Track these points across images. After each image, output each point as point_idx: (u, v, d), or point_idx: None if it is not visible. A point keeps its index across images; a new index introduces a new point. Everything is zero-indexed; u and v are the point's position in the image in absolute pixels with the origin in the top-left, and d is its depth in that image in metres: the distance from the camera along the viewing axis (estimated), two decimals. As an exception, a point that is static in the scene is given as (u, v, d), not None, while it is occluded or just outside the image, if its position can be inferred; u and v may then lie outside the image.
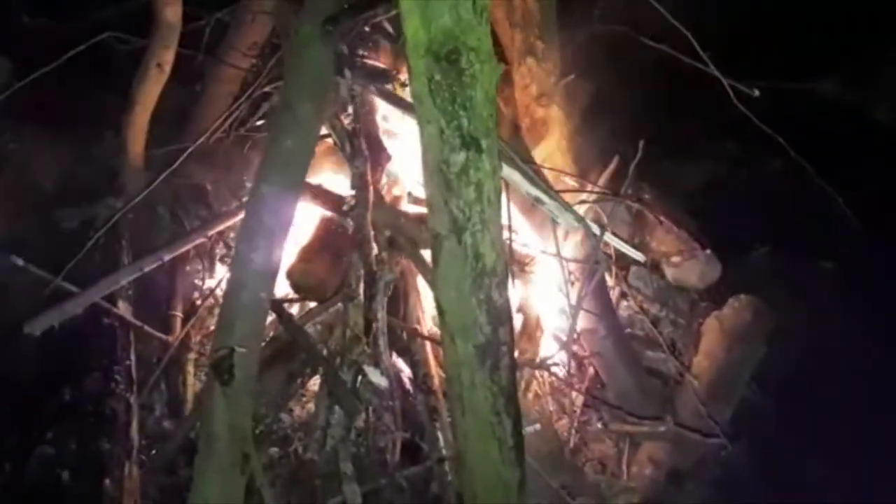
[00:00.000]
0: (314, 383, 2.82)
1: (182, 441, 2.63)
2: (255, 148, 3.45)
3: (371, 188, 2.62)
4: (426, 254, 2.54)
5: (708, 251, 3.27)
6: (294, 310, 2.94)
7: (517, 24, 3.20)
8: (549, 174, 3.04)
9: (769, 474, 2.74)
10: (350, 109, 2.69)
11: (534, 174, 2.65)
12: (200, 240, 3.11)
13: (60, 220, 3.22)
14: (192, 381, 2.97)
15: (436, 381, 2.69)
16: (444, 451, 2.54)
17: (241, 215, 2.29)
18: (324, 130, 2.65)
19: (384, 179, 3.01)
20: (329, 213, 2.89)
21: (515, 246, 2.99)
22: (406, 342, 2.81)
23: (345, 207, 2.71)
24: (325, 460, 2.39)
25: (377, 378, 2.32)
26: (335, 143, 2.80)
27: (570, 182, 3.18)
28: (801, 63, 3.93)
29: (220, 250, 3.38)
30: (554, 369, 2.87)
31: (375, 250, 2.57)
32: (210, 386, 1.93)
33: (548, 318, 3.07)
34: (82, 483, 2.47)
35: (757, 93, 2.46)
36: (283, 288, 2.82)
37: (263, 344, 2.34)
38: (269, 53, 3.51)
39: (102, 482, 2.46)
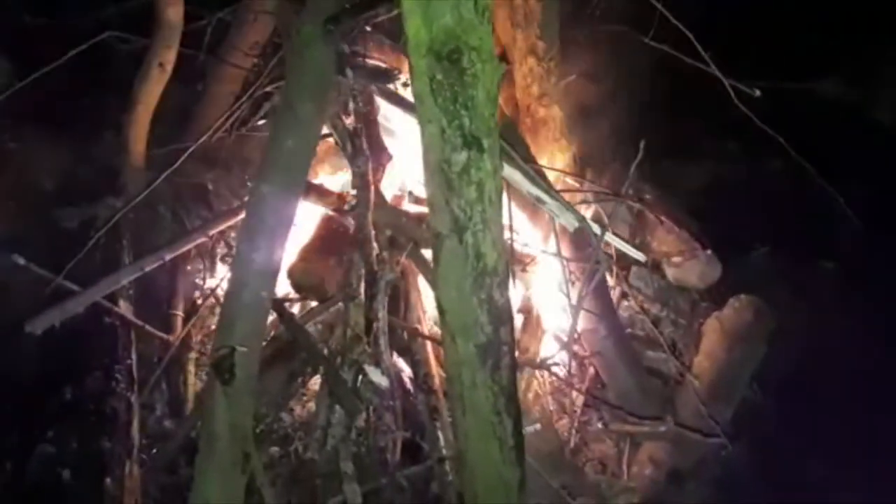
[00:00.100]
0: (315, 383, 2.82)
1: (183, 440, 2.63)
2: (257, 147, 3.45)
3: (372, 188, 2.63)
4: (427, 253, 2.54)
5: (709, 251, 3.27)
6: (295, 309, 2.95)
7: (519, 24, 3.20)
8: (549, 174, 3.05)
9: (769, 474, 2.74)
10: (351, 109, 2.69)
11: (535, 174, 2.65)
12: (201, 239, 3.11)
13: (61, 219, 3.22)
14: (193, 381, 2.98)
15: (436, 380, 2.69)
16: (444, 451, 2.54)
17: (242, 215, 2.29)
18: (325, 130, 2.65)
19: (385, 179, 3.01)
20: (330, 213, 2.89)
21: (516, 246, 2.99)
22: (407, 342, 2.81)
23: (346, 207, 2.71)
24: (326, 460, 2.39)
25: (378, 377, 2.32)
26: (336, 143, 2.81)
27: (571, 182, 3.18)
28: (801, 63, 3.93)
29: (221, 250, 3.38)
30: (554, 369, 2.86)
31: (376, 250, 2.58)
32: (211, 385, 1.93)
33: (548, 318, 3.07)
34: (83, 482, 2.47)
35: (758, 93, 2.46)
36: (284, 287, 2.82)
37: (264, 343, 2.34)
38: (271, 53, 3.52)
39: (103, 481, 2.46)
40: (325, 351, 2.59)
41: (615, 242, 3.05)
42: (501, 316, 1.57)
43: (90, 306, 2.63)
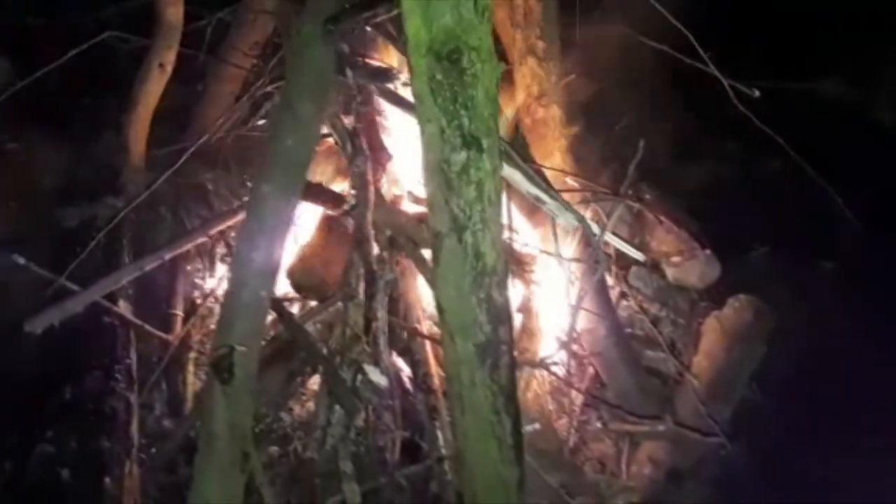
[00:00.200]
0: (314, 382, 2.82)
1: (182, 440, 2.63)
2: (257, 147, 3.45)
3: (372, 187, 2.63)
4: (426, 253, 2.54)
5: (708, 251, 3.27)
6: (294, 309, 2.95)
7: (518, 24, 3.21)
8: (549, 174, 3.05)
9: (768, 474, 2.74)
10: (351, 109, 2.69)
11: (534, 174, 2.65)
12: (201, 239, 3.12)
13: (61, 219, 3.22)
14: (193, 380, 2.98)
15: (435, 380, 2.70)
16: (443, 450, 2.55)
17: (242, 215, 2.30)
18: (325, 130, 2.66)
19: (384, 179, 3.02)
20: (330, 213, 2.89)
21: (516, 245, 3.00)
22: (406, 341, 2.82)
23: (345, 207, 2.71)
24: (325, 459, 2.40)
25: (377, 377, 2.32)
26: (336, 143, 2.81)
27: (571, 182, 3.18)
28: (801, 63, 3.93)
29: (220, 249, 3.38)
30: (554, 368, 2.86)
31: (376, 249, 2.58)
32: (210, 385, 1.93)
33: (548, 318, 3.08)
34: (82, 481, 2.47)
35: (757, 93, 2.46)
36: (283, 287, 2.82)
37: (264, 343, 2.35)
38: (271, 53, 3.51)
39: (103, 481, 2.46)
40: (325, 350, 2.59)
41: (614, 242, 3.06)
42: (500, 315, 1.57)
43: (90, 306, 2.63)
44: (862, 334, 3.00)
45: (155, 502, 2.55)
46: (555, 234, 2.88)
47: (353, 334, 2.41)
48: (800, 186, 3.33)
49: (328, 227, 2.93)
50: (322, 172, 3.24)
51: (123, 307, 2.86)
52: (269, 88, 3.22)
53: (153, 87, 3.31)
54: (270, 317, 2.47)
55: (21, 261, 2.62)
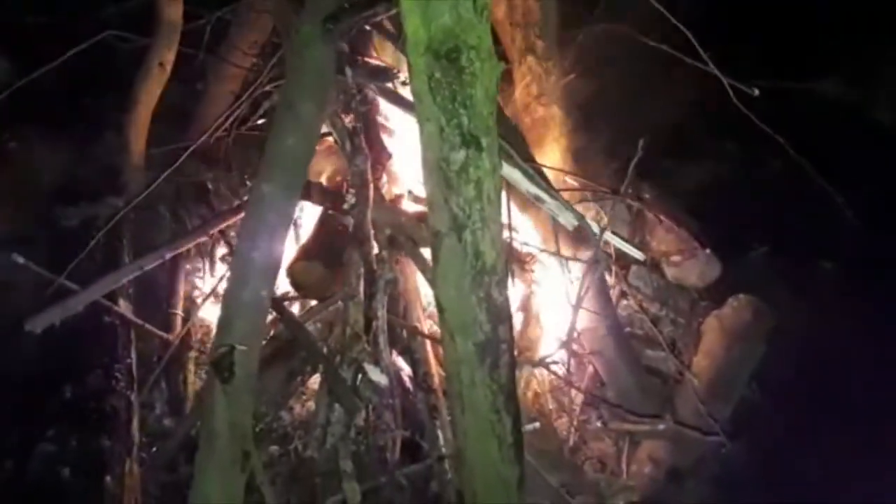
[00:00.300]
0: (314, 381, 2.82)
1: (183, 439, 2.63)
2: (256, 146, 3.45)
3: (371, 186, 2.63)
4: (426, 252, 2.55)
5: (708, 250, 3.27)
6: (294, 308, 2.95)
7: (517, 23, 3.21)
8: (549, 173, 3.05)
9: (768, 473, 2.74)
10: (351, 108, 2.69)
11: (534, 173, 2.65)
12: (201, 238, 3.12)
13: (61, 218, 3.22)
14: (193, 379, 2.98)
15: (436, 379, 2.70)
16: (443, 450, 2.55)
17: (242, 214, 2.30)
18: (324, 129, 2.66)
19: (384, 177, 3.02)
20: (329, 212, 2.90)
21: (515, 244, 3.00)
22: (406, 340, 2.82)
23: (345, 206, 2.71)
24: (325, 458, 2.40)
25: (377, 376, 2.32)
26: (336, 142, 2.81)
27: (570, 181, 3.18)
28: (801, 63, 3.93)
29: (220, 249, 3.38)
30: (553, 367, 2.86)
31: (375, 248, 2.58)
32: (211, 383, 1.94)
33: (548, 317, 3.08)
34: (83, 480, 2.47)
35: (757, 92, 2.46)
36: (283, 286, 2.82)
37: (264, 342, 2.35)
38: (271, 52, 3.52)
39: (103, 480, 2.45)
40: (325, 349, 2.59)
41: (614, 241, 3.06)
42: (500, 314, 1.57)
43: (90, 305, 2.63)
44: (862, 334, 3.00)
45: (156, 501, 2.55)
46: (555, 233, 2.88)
47: (354, 333, 2.41)
48: (800, 186, 3.33)
49: (328, 226, 2.93)
50: (321, 171, 3.25)
51: (124, 306, 2.86)
52: (268, 87, 3.22)
53: (153, 87, 3.31)
54: (271, 316, 2.47)
55: (21, 260, 2.62)
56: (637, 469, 2.81)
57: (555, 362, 2.84)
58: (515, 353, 1.69)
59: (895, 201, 3.44)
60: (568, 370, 2.89)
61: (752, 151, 3.61)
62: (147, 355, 2.90)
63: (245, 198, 3.36)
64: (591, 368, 3.05)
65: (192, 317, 3.09)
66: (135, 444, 2.60)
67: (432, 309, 2.87)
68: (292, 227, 3.00)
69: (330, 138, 3.03)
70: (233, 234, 3.31)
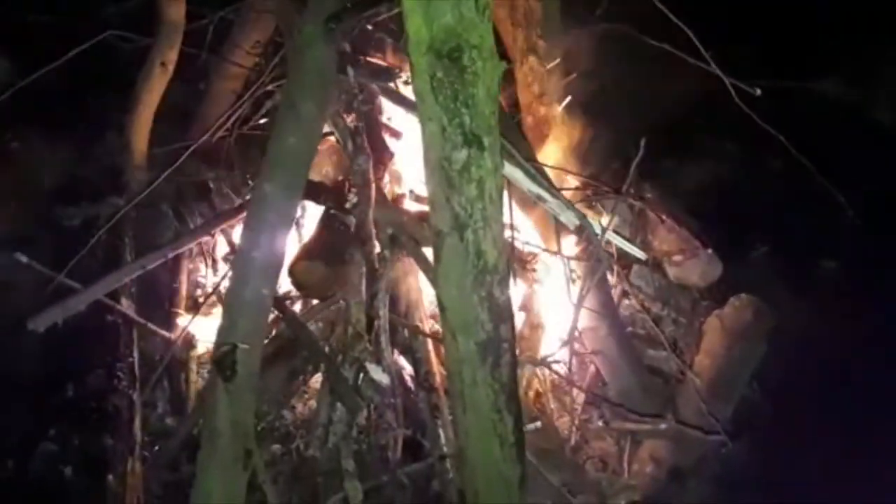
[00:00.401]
0: (316, 380, 2.83)
1: (185, 438, 2.63)
2: (258, 146, 3.45)
3: (373, 186, 2.63)
4: (428, 251, 2.55)
5: (709, 250, 3.27)
6: (296, 307, 2.96)
7: (519, 23, 3.22)
8: (550, 172, 3.05)
9: (769, 472, 2.74)
10: (353, 107, 2.69)
11: (535, 172, 2.66)
12: (203, 237, 3.12)
13: (64, 218, 3.23)
14: (195, 378, 2.98)
15: (437, 378, 2.70)
16: (445, 449, 2.55)
17: (244, 213, 2.30)
18: (326, 128, 2.66)
19: (386, 177, 3.02)
20: (331, 211, 2.90)
21: (517, 244, 3.00)
22: (408, 339, 2.82)
23: (347, 205, 2.72)
24: (327, 457, 2.40)
25: (379, 375, 2.33)
26: (338, 141, 2.81)
27: (572, 180, 3.19)
28: (800, 63, 3.93)
29: (222, 248, 3.38)
30: (555, 367, 2.86)
31: (377, 248, 2.58)
32: (213, 382, 1.94)
33: (549, 316, 3.08)
34: (85, 479, 2.49)
35: (758, 91, 2.46)
36: (285, 285, 2.83)
37: (266, 341, 2.35)
38: (273, 52, 3.51)
39: (105, 478, 2.47)
40: (327, 349, 2.59)
41: (616, 241, 3.06)
42: (502, 313, 1.57)
43: (92, 304, 2.63)
44: (862, 334, 3.01)
45: (158, 500, 2.55)
46: (557, 232, 2.88)
47: (355, 333, 2.41)
48: (801, 185, 3.33)
49: (330, 225, 2.93)
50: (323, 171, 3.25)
51: (126, 305, 2.87)
52: (270, 87, 3.23)
53: (155, 86, 3.31)
54: (273, 315, 2.48)
55: (23, 259, 2.63)
56: (638, 468, 2.81)
57: (556, 361, 2.84)
58: (517, 352, 1.69)
59: (895, 201, 3.44)
60: (569, 369, 2.89)
61: (752, 151, 3.62)
62: (149, 354, 2.90)
63: (247, 197, 3.36)
64: (592, 368, 3.05)
65: (194, 316, 3.08)
66: (137, 443, 2.61)
67: (434, 308, 2.87)
68: (294, 227, 3.01)
69: (332, 138, 3.04)
70: (235, 233, 3.31)
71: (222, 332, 1.96)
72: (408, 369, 2.79)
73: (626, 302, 3.30)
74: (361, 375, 2.32)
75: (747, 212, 3.54)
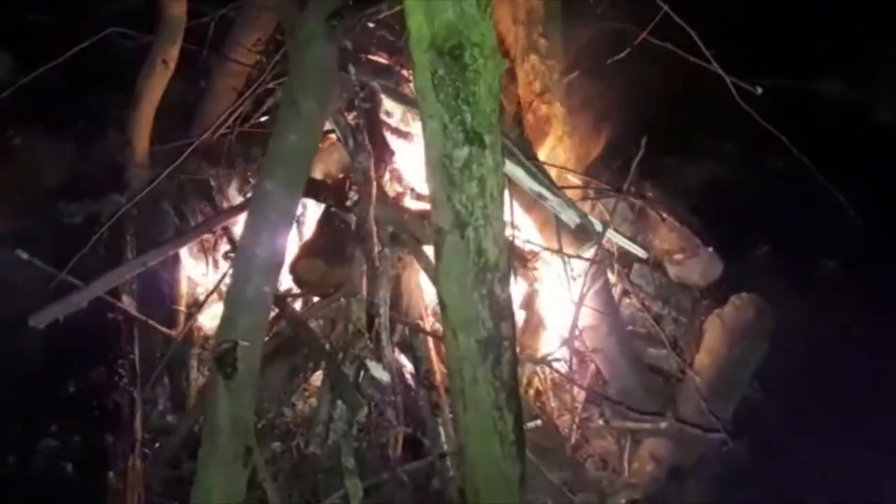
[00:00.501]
0: (317, 378, 2.83)
1: (185, 435, 2.64)
2: (260, 143, 3.45)
3: (374, 184, 2.63)
4: (429, 249, 2.55)
5: (710, 249, 3.27)
6: (297, 305, 2.96)
7: (521, 21, 3.21)
8: (551, 171, 3.05)
9: (770, 471, 2.74)
10: (354, 105, 2.69)
11: (536, 170, 2.66)
12: (204, 235, 3.12)
13: (65, 215, 3.24)
14: (196, 375, 2.99)
15: (438, 376, 2.71)
16: (445, 447, 2.55)
17: (245, 211, 2.30)
18: (327, 126, 2.66)
19: (387, 175, 3.02)
20: (332, 209, 2.90)
21: (518, 242, 3.00)
22: (408, 337, 2.82)
23: (348, 203, 2.72)
24: (328, 455, 2.41)
25: (379, 373, 2.33)
26: (339, 139, 2.81)
27: (573, 179, 3.18)
28: (800, 63, 3.93)
29: (223, 245, 3.38)
30: (556, 365, 2.87)
31: (378, 246, 2.58)
32: (213, 380, 1.94)
33: (550, 314, 3.08)
34: (86, 476, 2.49)
35: (759, 90, 2.46)
36: (286, 283, 2.83)
37: (266, 338, 2.35)
38: (274, 49, 3.51)
39: (106, 475, 2.47)
40: (327, 346, 2.60)
41: (617, 239, 3.06)
42: (502, 311, 1.58)
43: (93, 301, 2.64)
44: (863, 332, 3.01)
45: (158, 497, 2.56)
46: (557, 231, 2.88)
47: (356, 330, 2.42)
48: (802, 184, 3.33)
49: (331, 223, 2.93)
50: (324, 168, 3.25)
51: (127, 302, 2.87)
52: (271, 85, 3.23)
53: (156, 84, 3.31)
54: (273, 312, 2.48)
55: (25, 256, 2.63)
56: (639, 467, 2.82)
57: (557, 360, 2.85)
58: (517, 350, 1.70)
59: (895, 201, 3.44)
60: (570, 368, 2.89)
61: (753, 151, 3.62)
62: (150, 351, 2.90)
63: (248, 195, 3.36)
64: (592, 366, 3.05)
65: (195, 313, 3.09)
66: (137, 440, 2.61)
67: (434, 306, 2.87)
68: (295, 225, 3.01)
69: (333, 135, 3.04)
70: (236, 230, 3.31)
71: (223, 329, 1.96)
72: (408, 367, 2.79)
73: (627, 300, 3.30)
74: (362, 373, 2.33)
75: (748, 211, 3.54)
